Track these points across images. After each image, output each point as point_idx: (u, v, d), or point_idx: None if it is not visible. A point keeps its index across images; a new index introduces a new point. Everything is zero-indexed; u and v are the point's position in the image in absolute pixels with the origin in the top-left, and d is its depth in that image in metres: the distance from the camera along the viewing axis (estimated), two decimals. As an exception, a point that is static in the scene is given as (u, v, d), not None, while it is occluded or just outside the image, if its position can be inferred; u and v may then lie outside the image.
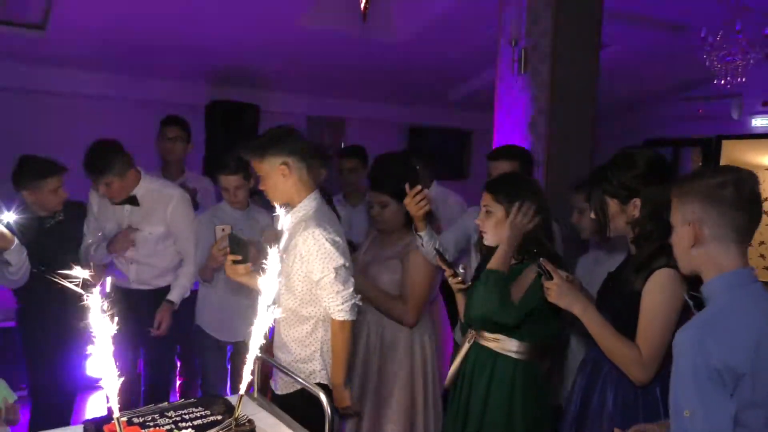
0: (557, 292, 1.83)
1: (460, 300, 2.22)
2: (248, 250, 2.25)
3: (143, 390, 3.12)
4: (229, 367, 3.21)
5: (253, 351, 1.51)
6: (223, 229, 2.73)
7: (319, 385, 2.01)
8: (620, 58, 5.23)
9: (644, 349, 1.71)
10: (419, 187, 2.25)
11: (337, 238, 2.12)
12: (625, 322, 1.76)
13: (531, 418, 2.00)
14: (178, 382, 3.46)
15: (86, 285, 1.26)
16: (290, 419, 1.81)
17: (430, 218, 2.51)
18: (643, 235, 1.79)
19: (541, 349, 2.07)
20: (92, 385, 3.74)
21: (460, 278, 2.18)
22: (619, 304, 1.82)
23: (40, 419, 2.81)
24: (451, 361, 2.25)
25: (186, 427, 1.58)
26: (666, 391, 1.44)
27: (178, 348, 3.30)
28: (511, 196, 2.05)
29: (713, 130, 6.70)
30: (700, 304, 1.43)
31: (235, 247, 2.21)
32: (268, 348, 2.18)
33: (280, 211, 2.22)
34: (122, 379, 1.28)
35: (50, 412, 2.79)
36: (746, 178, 1.37)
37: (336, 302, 2.12)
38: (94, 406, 3.87)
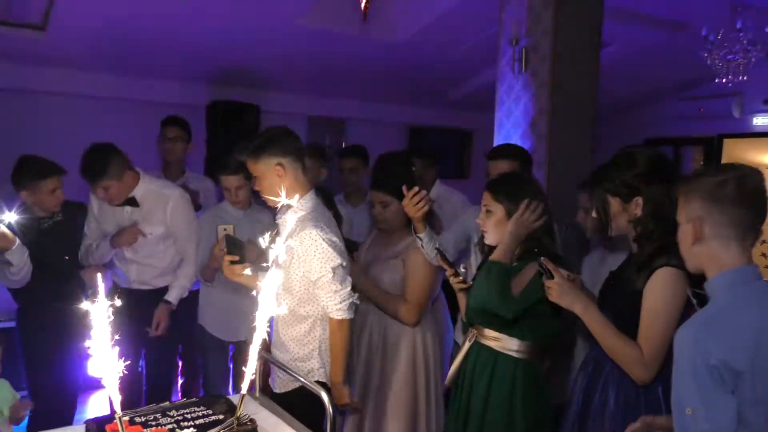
0: (558, 291, 1.83)
1: (462, 299, 2.23)
2: (245, 250, 2.26)
3: (145, 389, 3.12)
4: (231, 366, 3.22)
5: (255, 350, 1.51)
6: (225, 229, 2.73)
7: (318, 383, 2.02)
8: (621, 57, 5.22)
9: (646, 349, 1.71)
10: (416, 189, 2.25)
11: (334, 238, 2.15)
12: (627, 321, 1.76)
13: (532, 418, 2.00)
14: (179, 382, 3.46)
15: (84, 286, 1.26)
16: (292, 418, 1.82)
17: (431, 219, 2.51)
18: (644, 234, 1.79)
19: (542, 349, 2.08)
20: (94, 385, 3.75)
21: (461, 278, 2.18)
22: (621, 303, 1.82)
23: (40, 420, 2.80)
24: (451, 361, 2.25)
25: (188, 427, 1.58)
26: (668, 390, 1.44)
27: (179, 347, 3.30)
28: (510, 196, 2.05)
29: (714, 129, 6.68)
30: (703, 302, 1.43)
31: (232, 248, 2.23)
32: (266, 347, 2.19)
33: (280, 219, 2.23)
34: (124, 378, 1.27)
35: (51, 412, 2.79)
36: (749, 174, 1.36)
37: (334, 301, 2.14)
38: (96, 406, 3.87)
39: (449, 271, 2.20)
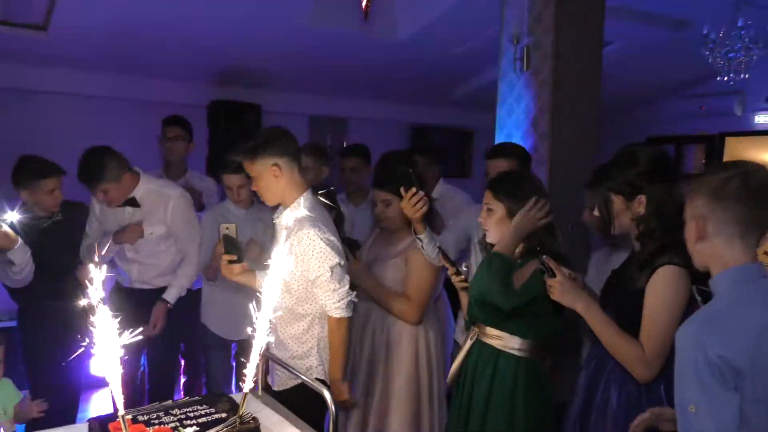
0: (560, 289, 1.83)
1: (464, 298, 2.23)
2: (243, 250, 2.28)
3: (147, 388, 3.13)
4: (233, 364, 3.22)
5: (257, 349, 1.51)
6: (227, 228, 2.74)
7: (317, 380, 2.03)
8: (622, 56, 5.21)
9: (647, 347, 1.71)
10: (414, 190, 2.26)
11: (332, 237, 2.17)
12: (629, 320, 1.76)
13: (533, 416, 2.00)
14: (182, 380, 3.46)
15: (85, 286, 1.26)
16: (295, 416, 1.82)
17: (432, 218, 2.51)
18: (647, 232, 1.79)
19: (544, 347, 2.07)
20: (96, 384, 3.75)
21: (463, 276, 2.18)
22: (623, 301, 1.81)
23: (42, 418, 2.81)
24: (452, 359, 2.25)
25: (190, 425, 1.58)
26: (670, 389, 1.44)
27: (182, 346, 3.30)
28: (511, 194, 2.05)
29: (716, 128, 6.67)
30: (708, 300, 1.43)
31: (230, 247, 2.24)
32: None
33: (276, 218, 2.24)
34: (126, 377, 1.28)
35: (52, 411, 2.79)
36: (754, 171, 1.35)
37: (332, 300, 2.16)
38: (99, 404, 3.88)
39: (451, 270, 2.20)
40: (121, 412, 1.30)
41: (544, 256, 1.87)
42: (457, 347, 2.60)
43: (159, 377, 3.10)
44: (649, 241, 1.78)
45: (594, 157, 3.45)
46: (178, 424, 1.59)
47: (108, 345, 1.24)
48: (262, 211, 3.04)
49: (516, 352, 2.02)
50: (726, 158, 6.61)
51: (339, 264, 2.17)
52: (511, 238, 2.02)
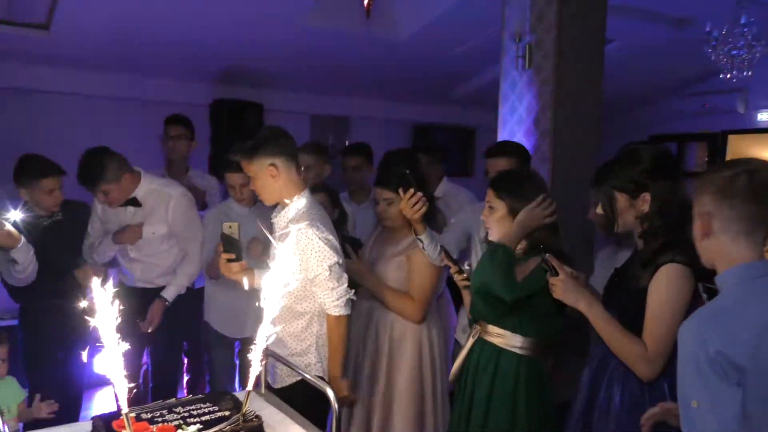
0: (562, 288, 1.83)
1: (466, 297, 2.23)
2: (242, 248, 2.30)
3: (151, 386, 3.14)
4: (237, 362, 3.23)
5: (260, 347, 1.52)
6: (230, 227, 2.74)
7: (317, 377, 2.03)
8: (624, 53, 5.20)
9: (650, 345, 1.71)
10: (412, 191, 2.26)
11: (330, 236, 2.18)
12: (632, 318, 1.76)
13: (535, 415, 2.00)
14: (185, 379, 3.47)
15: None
16: (298, 414, 1.82)
17: (433, 217, 2.51)
18: (650, 230, 1.79)
19: (545, 346, 2.07)
20: (99, 382, 3.76)
21: (465, 275, 2.18)
22: (626, 300, 1.81)
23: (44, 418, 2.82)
24: (453, 357, 2.25)
25: (194, 423, 1.58)
26: (674, 387, 1.44)
27: (185, 344, 3.31)
28: (513, 193, 2.05)
29: (719, 125, 6.65)
30: (714, 297, 1.43)
31: (229, 246, 2.25)
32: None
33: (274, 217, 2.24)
34: (129, 375, 1.28)
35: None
36: (760, 168, 1.34)
37: (331, 298, 2.18)
38: (103, 403, 3.89)
39: (453, 269, 2.20)
40: (125, 410, 1.30)
41: (547, 255, 1.87)
42: (459, 347, 2.61)
43: (162, 375, 3.11)
44: (652, 239, 1.78)
45: (596, 155, 3.44)
46: (181, 422, 1.60)
47: (111, 343, 1.24)
48: (265, 209, 3.04)
49: (518, 351, 2.02)
50: (729, 156, 6.59)
51: (337, 263, 2.18)
52: (515, 233, 2.02)
